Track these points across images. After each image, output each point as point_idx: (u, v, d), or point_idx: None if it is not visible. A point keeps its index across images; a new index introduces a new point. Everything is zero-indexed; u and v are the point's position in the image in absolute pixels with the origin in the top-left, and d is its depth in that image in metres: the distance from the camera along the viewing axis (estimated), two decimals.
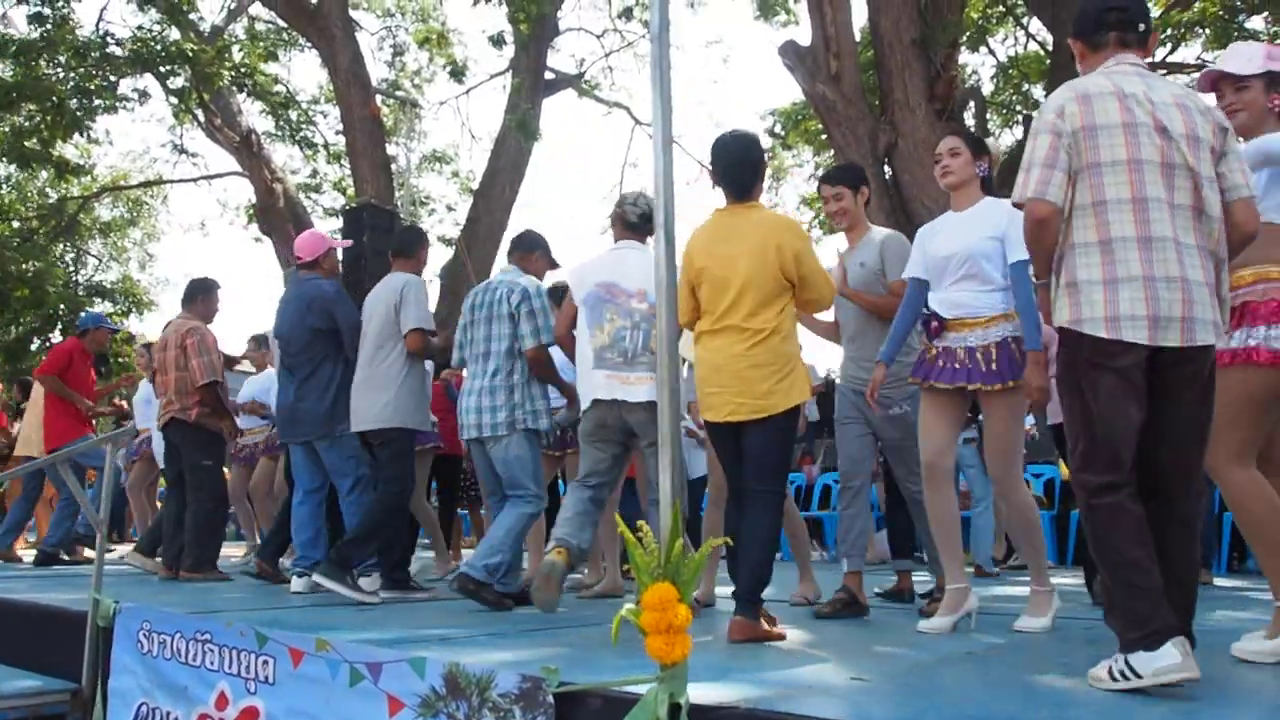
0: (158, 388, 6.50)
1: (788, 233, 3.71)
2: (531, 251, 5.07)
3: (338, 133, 17.81)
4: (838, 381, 4.55)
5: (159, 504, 8.33)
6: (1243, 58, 3.13)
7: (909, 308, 3.95)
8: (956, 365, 3.67)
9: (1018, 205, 2.69)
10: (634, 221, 4.47)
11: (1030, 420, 6.61)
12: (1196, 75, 3.24)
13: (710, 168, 3.87)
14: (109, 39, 15.05)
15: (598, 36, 18.77)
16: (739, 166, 3.79)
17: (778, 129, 18.64)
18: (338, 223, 17.43)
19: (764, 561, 3.54)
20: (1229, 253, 2.69)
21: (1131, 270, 2.56)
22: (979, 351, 3.65)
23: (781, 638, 3.53)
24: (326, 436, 5.33)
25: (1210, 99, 2.71)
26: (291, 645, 3.13)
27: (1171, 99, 2.65)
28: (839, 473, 4.51)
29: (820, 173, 20.47)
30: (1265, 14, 13.26)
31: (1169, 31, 13.96)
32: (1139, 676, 2.39)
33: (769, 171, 21.06)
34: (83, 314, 8.96)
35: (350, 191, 16.96)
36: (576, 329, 4.42)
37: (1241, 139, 3.12)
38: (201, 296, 6.56)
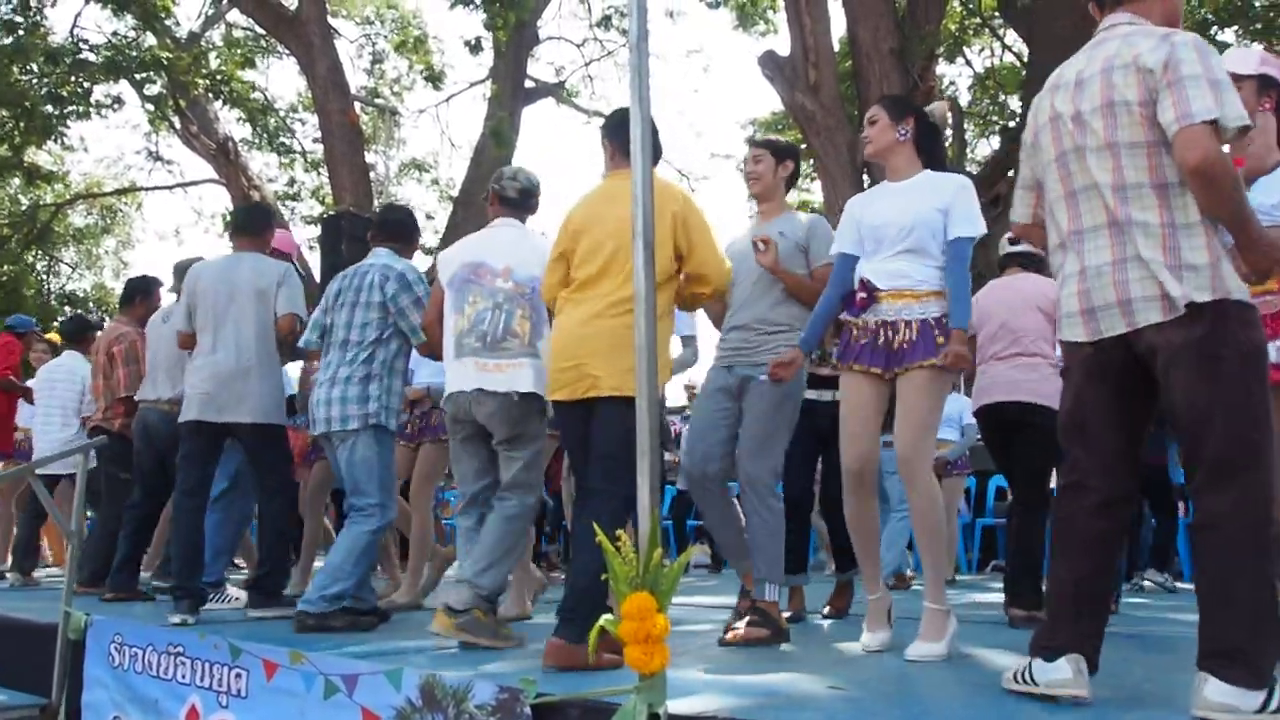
0: (93, 390, 6.19)
1: (680, 197, 3.34)
2: (414, 239, 4.70)
3: (316, 140, 17.75)
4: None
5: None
6: (1237, 60, 3.14)
7: (836, 286, 3.53)
8: (879, 345, 3.32)
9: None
10: (512, 198, 4.00)
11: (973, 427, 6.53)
12: None
13: (609, 140, 3.50)
14: (83, 45, 14.94)
15: (577, 45, 18.82)
16: (626, 130, 3.38)
17: (757, 139, 18.69)
18: (315, 230, 17.37)
19: (597, 574, 2.61)
20: (1199, 202, 2.36)
21: (1070, 266, 2.53)
22: (908, 326, 3.29)
23: (588, 666, 2.92)
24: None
25: (1152, 42, 2.38)
26: (265, 657, 3.09)
27: (1101, 64, 2.46)
28: (686, 467, 3.92)
29: (799, 180, 20.54)
30: (1236, 27, 13.43)
31: None
32: (1034, 683, 2.43)
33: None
34: (14, 317, 8.61)
35: (328, 199, 16.89)
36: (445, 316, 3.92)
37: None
38: (140, 298, 6.21)
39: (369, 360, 4.25)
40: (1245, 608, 2.21)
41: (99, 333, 6.63)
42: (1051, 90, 2.61)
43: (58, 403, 6.77)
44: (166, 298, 6.12)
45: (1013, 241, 4.73)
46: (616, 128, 3.40)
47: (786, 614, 3.99)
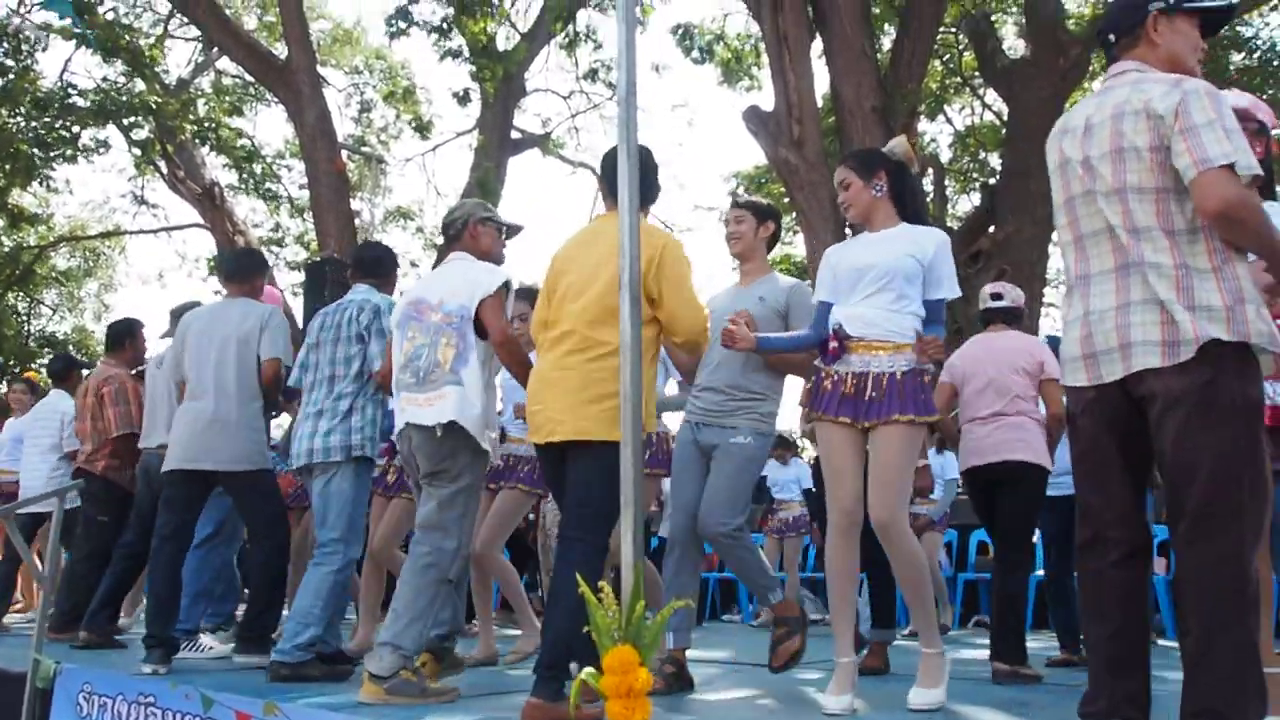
0: (77, 432, 6.13)
1: (657, 241, 3.21)
2: (392, 273, 4.67)
3: (302, 187, 17.81)
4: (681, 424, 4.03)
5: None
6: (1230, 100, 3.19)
7: (814, 329, 3.53)
8: (851, 395, 3.28)
9: None
10: (452, 233, 4.01)
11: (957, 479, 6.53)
12: None
13: (602, 179, 3.51)
14: (71, 90, 15.00)
15: (564, 97, 18.99)
16: (614, 174, 3.33)
17: (741, 192, 18.90)
18: (300, 276, 17.36)
19: (573, 627, 2.65)
20: (1232, 240, 2.36)
21: (1076, 310, 2.52)
22: (877, 379, 3.25)
23: (597, 718, 2.77)
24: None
25: (1163, 88, 2.39)
26: (239, 709, 3.04)
27: (1111, 110, 2.47)
28: (669, 528, 3.94)
29: (782, 234, 20.72)
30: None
31: None
32: None
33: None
34: None
35: (313, 245, 16.90)
36: None
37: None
38: (128, 340, 6.21)
39: (353, 394, 4.20)
40: (1226, 667, 2.20)
41: (85, 372, 6.56)
42: (1060, 135, 2.62)
43: (47, 442, 6.66)
44: (163, 343, 6.06)
45: (995, 297, 4.76)
46: (608, 171, 3.33)
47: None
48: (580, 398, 3.09)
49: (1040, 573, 5.85)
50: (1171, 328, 2.31)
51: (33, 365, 9.24)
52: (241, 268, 4.97)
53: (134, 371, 6.12)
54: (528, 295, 4.86)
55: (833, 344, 3.35)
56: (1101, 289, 2.45)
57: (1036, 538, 5.08)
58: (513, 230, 4.20)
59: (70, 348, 23.40)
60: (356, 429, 4.15)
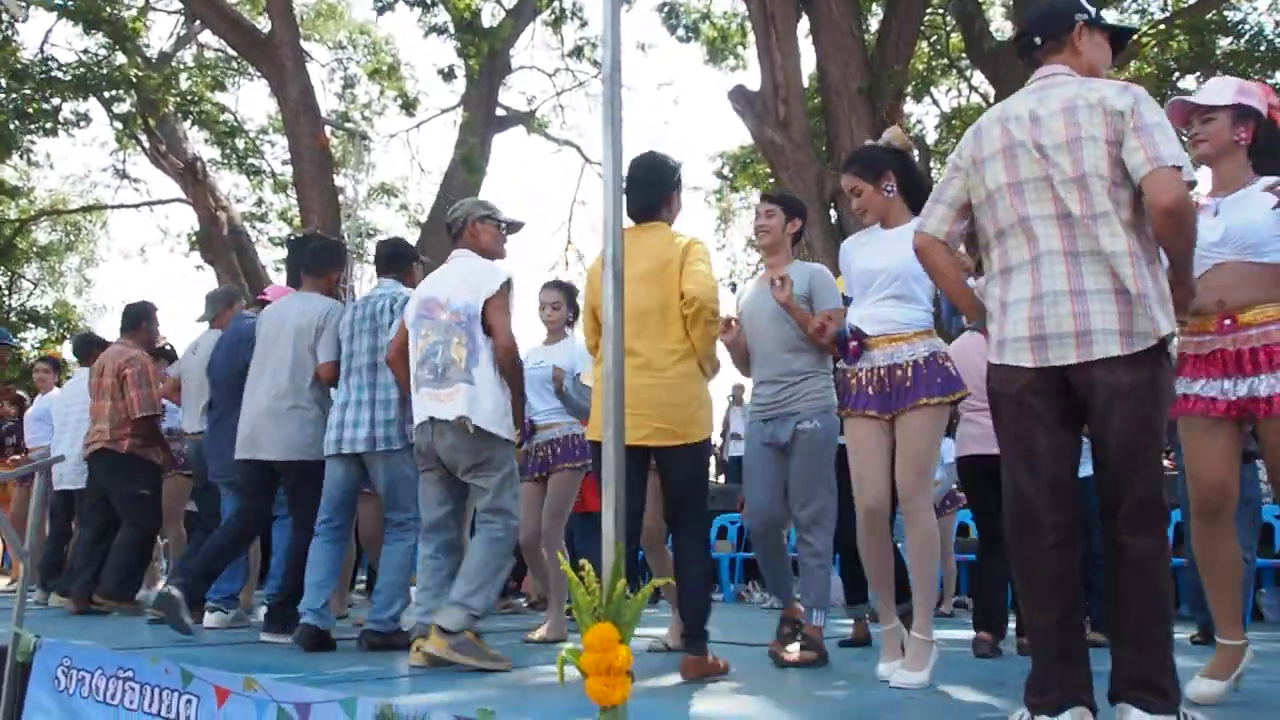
0: (91, 413, 6.22)
1: (685, 250, 3.58)
2: (410, 266, 4.84)
3: (285, 162, 17.68)
4: (747, 415, 4.25)
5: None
6: (1214, 90, 3.19)
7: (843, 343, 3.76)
8: (876, 390, 3.49)
9: None
10: (454, 232, 4.22)
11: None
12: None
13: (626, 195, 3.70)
14: (52, 63, 14.83)
15: (549, 75, 18.89)
16: (642, 186, 3.70)
17: (726, 171, 18.87)
18: (282, 252, 17.26)
19: (706, 595, 3.55)
20: (1162, 241, 2.49)
21: (1022, 292, 2.52)
22: (901, 369, 3.46)
23: (726, 670, 3.52)
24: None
25: (1114, 89, 2.51)
26: (218, 684, 3.03)
27: (1060, 105, 2.55)
28: (749, 516, 4.16)
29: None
30: (1198, 73, 13.76)
31: None
32: None
33: (717, 213, 21.38)
34: None
35: (296, 221, 16.80)
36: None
37: (1204, 166, 3.18)
38: (144, 322, 6.38)
39: (399, 382, 4.34)
40: (1162, 643, 2.36)
41: (99, 355, 6.53)
42: (1001, 122, 2.63)
43: (74, 421, 6.73)
44: (197, 328, 6.14)
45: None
46: (631, 185, 3.63)
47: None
48: (665, 406, 3.47)
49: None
50: (1127, 318, 2.40)
51: (11, 341, 9.16)
52: (316, 261, 5.11)
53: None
54: (557, 286, 5.28)
55: (853, 344, 3.57)
56: (1052, 271, 2.48)
57: None
58: (513, 226, 4.32)
59: (52, 321, 23.24)
60: (408, 419, 4.29)
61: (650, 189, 3.72)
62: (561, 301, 5.23)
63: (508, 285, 3.94)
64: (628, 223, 3.65)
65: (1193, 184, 2.46)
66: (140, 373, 6.03)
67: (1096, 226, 2.45)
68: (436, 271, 4.18)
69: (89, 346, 7.05)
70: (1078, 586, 2.46)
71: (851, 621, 4.89)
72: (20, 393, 9.25)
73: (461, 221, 4.18)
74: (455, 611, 3.64)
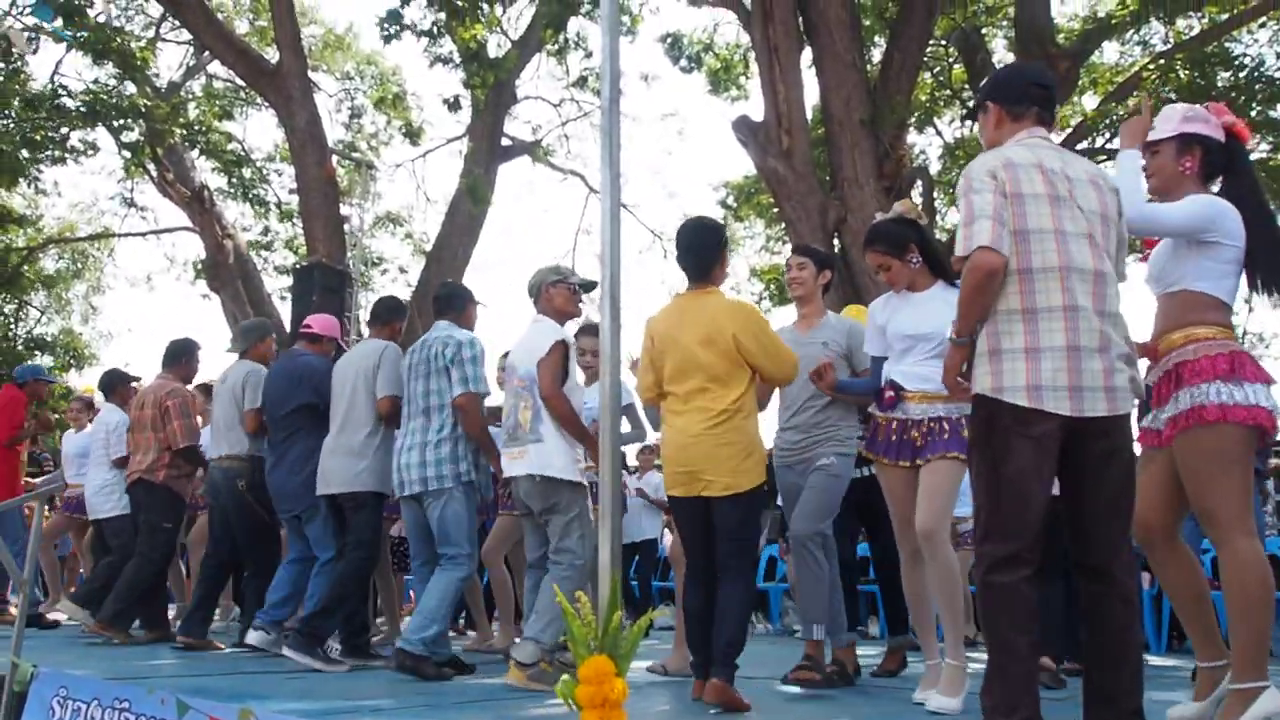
0: (127, 445, 6.39)
1: (738, 317, 3.76)
2: (466, 308, 5.06)
3: (291, 191, 17.74)
4: (773, 459, 4.42)
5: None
6: (1160, 121, 3.23)
7: (873, 380, 4.01)
8: (905, 440, 3.73)
9: (962, 258, 2.67)
10: (532, 299, 4.60)
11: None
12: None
13: (680, 261, 3.96)
14: (61, 91, 14.96)
15: (554, 105, 18.99)
16: (695, 252, 3.89)
17: (730, 201, 18.93)
18: (288, 281, 17.32)
19: (742, 629, 3.67)
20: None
21: (1055, 340, 2.59)
22: (935, 423, 3.69)
23: (747, 708, 3.55)
24: (311, 508, 5.27)
25: (1108, 179, 2.80)
26: (214, 715, 3.02)
27: (1086, 176, 2.74)
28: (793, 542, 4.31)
29: (770, 244, 20.82)
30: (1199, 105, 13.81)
31: (1106, 122, 14.47)
32: None
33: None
34: (20, 366, 8.73)
35: (302, 250, 16.87)
36: None
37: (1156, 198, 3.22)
38: (185, 359, 6.53)
39: (456, 424, 4.65)
40: (1138, 671, 2.62)
41: (135, 384, 6.90)
42: (1041, 169, 2.68)
43: (99, 452, 6.88)
44: (227, 359, 6.46)
45: None
46: (685, 251, 3.89)
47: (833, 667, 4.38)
48: (718, 459, 3.65)
49: None
50: (1130, 380, 2.67)
51: (50, 378, 9.23)
52: (382, 312, 5.51)
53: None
54: (594, 331, 5.37)
55: (889, 394, 3.79)
56: (1088, 326, 2.61)
57: None
58: (587, 286, 4.65)
59: (59, 350, 23.27)
60: (463, 458, 4.64)
61: (703, 254, 3.90)
62: (597, 345, 5.33)
63: (559, 344, 4.32)
64: (681, 286, 3.96)
65: None
66: (182, 404, 6.19)
67: (1113, 291, 2.68)
68: (519, 337, 4.58)
69: (115, 383, 7.28)
70: (1039, 618, 2.60)
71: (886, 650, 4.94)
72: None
73: (536, 289, 4.55)
74: (528, 646, 4.07)
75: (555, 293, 4.54)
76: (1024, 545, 2.56)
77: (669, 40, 15.85)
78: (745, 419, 3.72)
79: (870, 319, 4.03)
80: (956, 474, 3.65)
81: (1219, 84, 13.47)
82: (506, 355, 4.83)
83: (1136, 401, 2.70)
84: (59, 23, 12.64)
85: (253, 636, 5.25)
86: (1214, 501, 2.88)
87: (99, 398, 7.78)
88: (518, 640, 4.27)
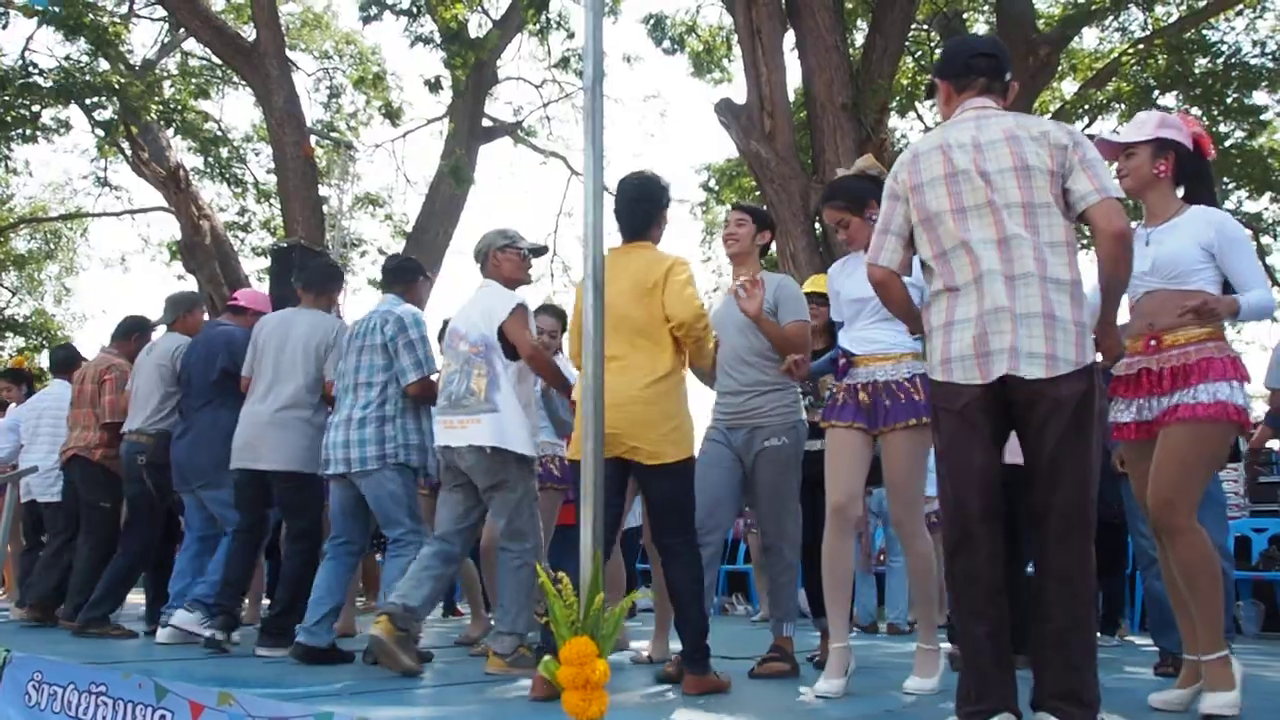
0: (68, 421, 6.19)
1: (666, 268, 3.60)
2: (415, 281, 4.85)
3: (269, 172, 17.60)
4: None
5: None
6: (1135, 126, 3.33)
7: (834, 355, 3.90)
8: (861, 406, 3.59)
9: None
10: (479, 264, 4.35)
11: None
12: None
13: (616, 215, 3.79)
14: (32, 69, 14.74)
15: (536, 86, 18.88)
16: (630, 207, 3.75)
17: (712, 184, 18.90)
18: (265, 262, 17.17)
19: (701, 613, 3.53)
20: (1108, 266, 2.66)
21: (968, 311, 2.62)
22: (886, 387, 3.56)
23: (727, 688, 3.56)
24: (215, 484, 5.14)
25: (1050, 124, 2.71)
26: (192, 699, 2.99)
27: (1001, 134, 2.69)
28: (698, 515, 3.99)
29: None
30: (1176, 92, 13.88)
31: (1086, 107, 14.52)
32: None
33: (703, 225, 21.39)
34: None
35: (280, 231, 16.72)
36: None
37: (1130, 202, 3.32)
38: (137, 335, 6.30)
39: (383, 403, 4.45)
40: (1083, 654, 2.47)
41: (84, 363, 6.57)
42: (942, 149, 2.74)
43: (47, 431, 6.71)
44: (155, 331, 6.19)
45: None
46: (621, 206, 3.72)
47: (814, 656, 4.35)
48: (652, 425, 3.48)
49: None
50: (1054, 343, 2.52)
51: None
52: (318, 280, 5.17)
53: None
54: (551, 311, 5.32)
55: (842, 362, 3.72)
56: (993, 289, 2.59)
57: None
58: (536, 251, 4.41)
59: (30, 331, 23.03)
60: (390, 438, 4.42)
61: (639, 209, 3.75)
62: (558, 329, 5.27)
63: (521, 307, 4.08)
64: (616, 240, 3.71)
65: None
66: (119, 379, 5.99)
67: (1044, 251, 2.58)
68: (464, 303, 4.31)
69: (69, 357, 7.03)
70: (1005, 598, 2.54)
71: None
72: None
73: (484, 253, 4.30)
74: (505, 639, 3.97)
75: (504, 258, 4.28)
76: (970, 522, 2.53)
77: (652, 21, 15.75)
78: (676, 384, 3.57)
79: (829, 284, 3.92)
80: (917, 448, 3.51)
81: (1196, 70, 13.55)
82: (447, 323, 4.58)
83: (1056, 367, 2.51)
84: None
85: (163, 635, 5.01)
86: (1181, 493, 2.97)
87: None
88: (491, 633, 4.09)
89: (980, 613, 2.50)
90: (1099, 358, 2.72)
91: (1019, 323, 2.54)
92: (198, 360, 5.33)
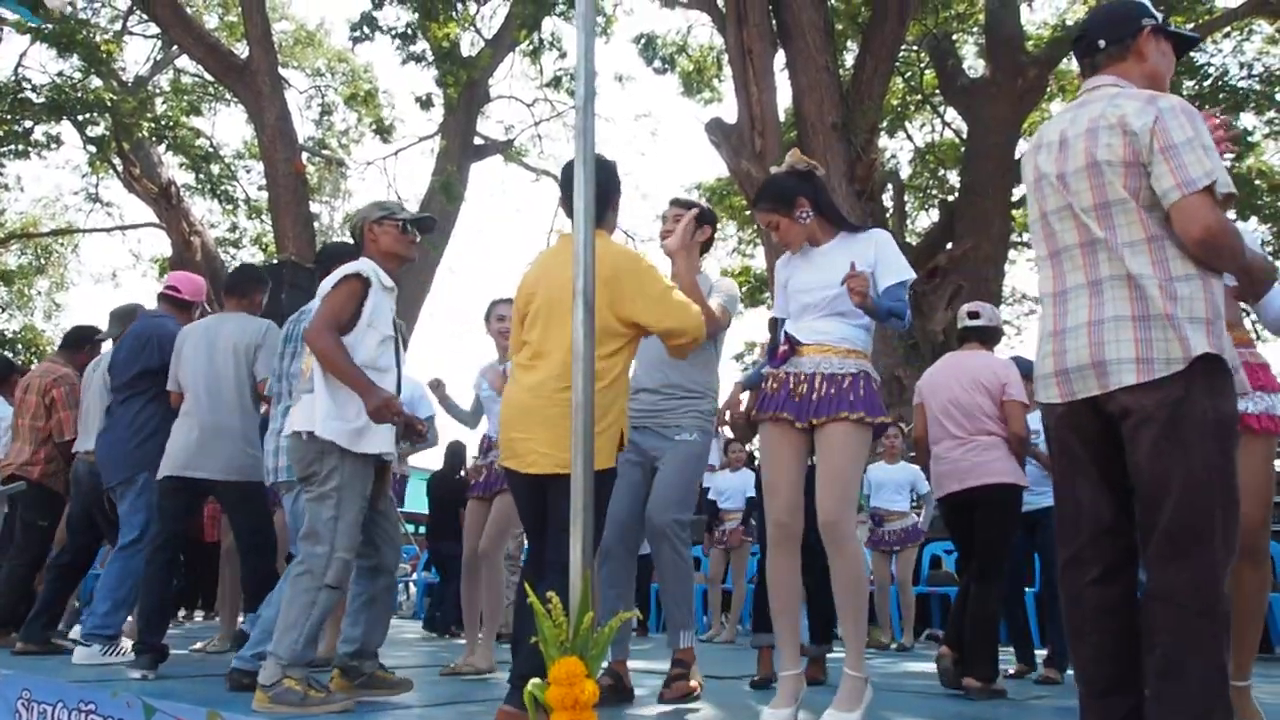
0: (15, 430, 5.92)
1: (624, 264, 3.17)
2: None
3: (260, 188, 17.60)
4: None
5: None
6: None
7: (771, 348, 3.54)
8: (795, 396, 3.24)
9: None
10: (356, 242, 3.83)
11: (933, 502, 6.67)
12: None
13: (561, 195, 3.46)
14: (25, 84, 14.75)
15: (528, 105, 18.96)
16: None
17: (703, 202, 18.96)
18: None
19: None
20: (1205, 265, 2.35)
21: (1046, 326, 2.52)
22: (827, 381, 3.22)
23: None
24: (128, 482, 4.86)
25: (1137, 104, 2.37)
26: (181, 717, 2.98)
27: (1086, 126, 2.46)
28: (604, 537, 3.66)
29: (742, 246, 20.86)
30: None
31: None
32: None
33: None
34: None
35: (270, 247, 16.71)
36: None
37: None
38: (89, 346, 6.04)
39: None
40: (1195, 687, 2.14)
41: (24, 374, 6.29)
42: (1035, 151, 2.60)
43: None
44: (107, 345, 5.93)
45: (972, 315, 4.75)
46: (564, 185, 3.20)
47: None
48: (560, 429, 2.94)
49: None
50: (1146, 345, 2.29)
51: None
52: (240, 282, 4.97)
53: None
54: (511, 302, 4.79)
55: (783, 348, 3.33)
56: (1076, 304, 2.42)
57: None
58: (421, 224, 3.85)
59: (19, 346, 22.92)
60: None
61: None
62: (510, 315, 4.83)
63: (351, 278, 3.49)
64: (565, 226, 3.32)
65: (1231, 196, 2.32)
66: (69, 393, 5.76)
67: (1125, 252, 2.35)
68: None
69: (11, 371, 6.79)
70: (1123, 621, 2.33)
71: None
72: None
73: (358, 229, 3.75)
74: (268, 663, 3.29)
75: (381, 231, 3.69)
76: (1078, 545, 2.40)
77: (643, 41, 15.85)
78: (609, 388, 3.09)
79: (776, 277, 3.60)
80: (855, 444, 3.16)
81: (1184, 92, 13.66)
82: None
83: (1151, 370, 2.28)
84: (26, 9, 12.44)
85: (80, 655, 4.69)
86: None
87: None
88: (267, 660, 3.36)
89: (1084, 636, 2.37)
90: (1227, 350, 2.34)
91: (1102, 330, 2.34)
92: (126, 353, 5.04)
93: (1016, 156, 12.53)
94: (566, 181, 3.20)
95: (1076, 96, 2.61)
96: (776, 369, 3.33)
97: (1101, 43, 2.57)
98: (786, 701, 3.12)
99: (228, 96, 17.11)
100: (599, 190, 3.04)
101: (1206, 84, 13.77)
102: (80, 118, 14.86)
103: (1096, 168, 2.39)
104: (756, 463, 7.20)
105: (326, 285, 3.52)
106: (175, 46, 16.58)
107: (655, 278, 3.20)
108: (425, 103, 14.84)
